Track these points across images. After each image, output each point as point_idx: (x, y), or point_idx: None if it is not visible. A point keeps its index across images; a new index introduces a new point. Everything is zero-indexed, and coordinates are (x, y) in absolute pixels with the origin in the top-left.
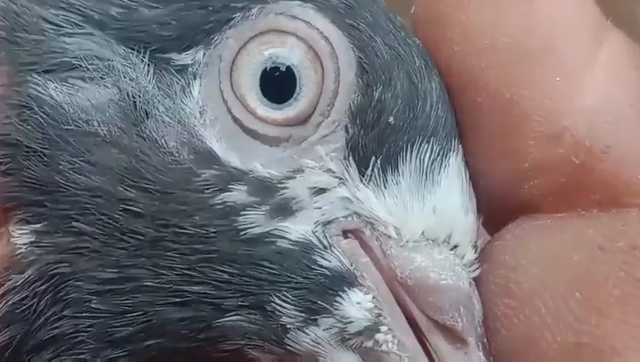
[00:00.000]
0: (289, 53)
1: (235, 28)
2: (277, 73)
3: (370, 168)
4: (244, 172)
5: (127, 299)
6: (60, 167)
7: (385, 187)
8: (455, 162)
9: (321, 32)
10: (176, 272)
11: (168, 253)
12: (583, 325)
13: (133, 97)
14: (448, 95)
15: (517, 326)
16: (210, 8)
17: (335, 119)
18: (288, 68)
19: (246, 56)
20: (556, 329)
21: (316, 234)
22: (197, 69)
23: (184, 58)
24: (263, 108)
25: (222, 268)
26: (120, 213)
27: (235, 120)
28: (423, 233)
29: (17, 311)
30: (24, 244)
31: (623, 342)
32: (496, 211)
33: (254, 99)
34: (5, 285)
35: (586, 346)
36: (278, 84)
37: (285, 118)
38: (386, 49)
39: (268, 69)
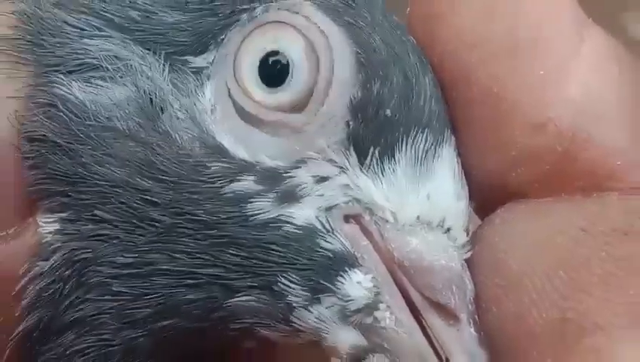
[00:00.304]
0: (286, 43)
1: (241, 27)
2: (274, 61)
3: (369, 158)
4: (252, 163)
5: (145, 282)
6: (83, 160)
7: (382, 175)
8: (448, 152)
9: (319, 27)
10: (190, 256)
11: (183, 239)
12: (567, 302)
13: (150, 95)
14: (441, 90)
15: (506, 304)
16: (220, 15)
17: (333, 108)
18: (284, 56)
19: (247, 46)
20: (542, 307)
21: (319, 219)
22: (210, 71)
23: (200, 61)
24: (260, 93)
25: (232, 252)
26: (138, 202)
27: (239, 110)
28: (418, 217)
29: (44, 295)
30: (50, 233)
31: (605, 319)
32: (486, 198)
33: (252, 84)
34: (32, 271)
35: (570, 322)
36: (274, 70)
37: (280, 102)
38: (383, 46)
39: (266, 56)
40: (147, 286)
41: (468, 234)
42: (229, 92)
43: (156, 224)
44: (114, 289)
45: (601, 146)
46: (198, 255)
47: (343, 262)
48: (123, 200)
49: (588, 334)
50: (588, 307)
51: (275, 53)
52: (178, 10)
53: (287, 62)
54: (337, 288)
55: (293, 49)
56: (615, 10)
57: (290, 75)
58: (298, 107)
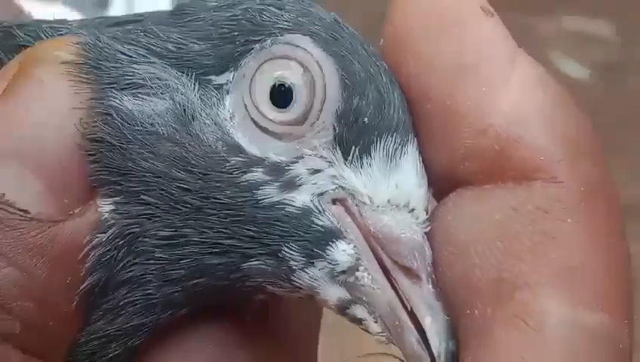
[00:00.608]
0: (291, 75)
1: (255, 54)
2: (282, 87)
3: (350, 155)
4: (261, 159)
5: (180, 250)
6: (132, 156)
7: (362, 168)
8: (411, 150)
9: (314, 57)
10: (214, 230)
11: (208, 217)
12: (503, 266)
13: (183, 106)
14: (406, 103)
15: (456, 266)
16: (237, 43)
17: (324, 120)
18: (290, 84)
19: (261, 75)
20: (484, 269)
21: (313, 202)
22: (229, 87)
23: (220, 79)
24: (271, 113)
25: (246, 227)
26: (174, 189)
27: (254, 121)
28: (388, 201)
29: (102, 260)
30: (107, 212)
31: (532, 278)
32: (441, 185)
33: (265, 105)
34: (93, 242)
35: (505, 281)
36: (282, 95)
37: (287, 119)
38: (361, 70)
39: (276, 85)
40: (181, 253)
41: (427, 213)
42: (246, 107)
43: (188, 206)
44: (156, 255)
45: (529, 146)
46: (220, 229)
47: (331, 235)
48: (163, 188)
49: (518, 290)
50: (519, 269)
51: (282, 82)
52: (203, 40)
53: (292, 88)
54: (327, 255)
55: (295, 78)
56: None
57: (294, 98)
58: (300, 121)
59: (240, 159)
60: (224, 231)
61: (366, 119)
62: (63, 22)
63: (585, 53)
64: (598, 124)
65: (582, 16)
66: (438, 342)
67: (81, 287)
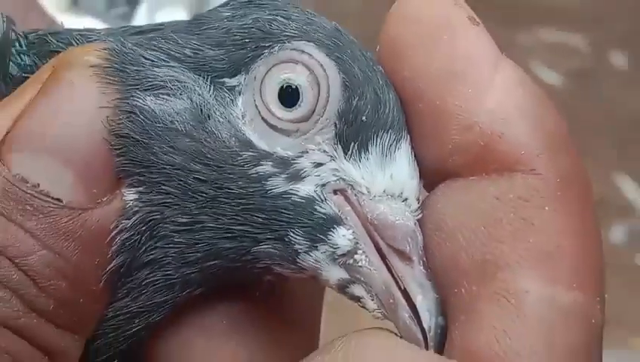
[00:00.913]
0: (297, 76)
1: (265, 59)
2: (289, 88)
3: (350, 149)
4: (270, 153)
5: (196, 235)
6: (154, 150)
7: (360, 161)
8: (405, 146)
9: (319, 62)
10: (227, 217)
11: (222, 205)
12: (487, 249)
13: (200, 106)
14: (401, 104)
15: (445, 250)
16: (249, 49)
17: (327, 118)
18: (296, 85)
19: (270, 77)
20: (470, 252)
21: (316, 192)
22: (240, 88)
23: (233, 82)
24: (280, 111)
25: (256, 215)
26: (191, 179)
27: (263, 119)
28: (384, 191)
29: (127, 244)
30: (131, 201)
31: (513, 260)
32: (431, 177)
33: (274, 105)
34: (119, 227)
35: (488, 262)
36: (289, 95)
37: (294, 117)
38: (360, 73)
39: (284, 86)
40: (198, 238)
41: (419, 202)
42: (256, 106)
43: (204, 195)
44: (175, 240)
45: (510, 142)
46: (233, 216)
47: (332, 221)
48: (181, 179)
49: (500, 270)
50: (501, 252)
51: (290, 84)
52: (217, 47)
53: (298, 89)
54: (329, 239)
55: (301, 80)
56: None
57: (300, 98)
58: (305, 119)
59: (251, 153)
60: (236, 218)
61: (364, 117)
62: (92, 30)
63: (560, 62)
64: (571, 126)
65: (558, 30)
66: (428, 318)
67: (108, 268)
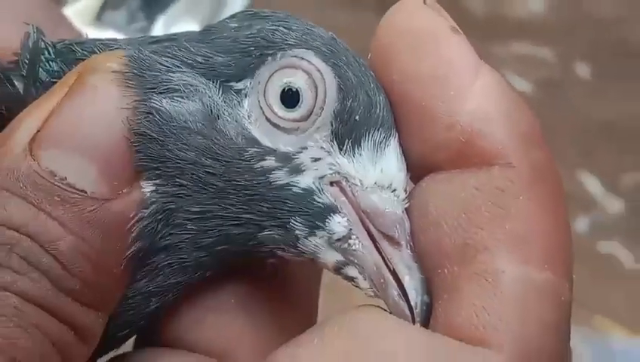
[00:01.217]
0: (297, 80)
1: (268, 65)
2: (290, 91)
3: (345, 146)
4: (273, 149)
5: (207, 223)
6: (169, 147)
7: (353, 156)
8: (394, 142)
9: (316, 67)
10: (235, 207)
11: (230, 196)
12: (467, 234)
13: (210, 107)
14: (390, 105)
15: (429, 235)
16: (254, 56)
17: (324, 117)
18: (296, 88)
19: (272, 81)
20: (452, 236)
21: (315, 184)
22: (246, 91)
23: (240, 85)
24: (282, 112)
25: (261, 204)
26: (202, 173)
27: (267, 119)
28: (375, 183)
29: (145, 231)
30: (149, 192)
31: (490, 243)
32: (417, 170)
33: (276, 106)
34: (138, 216)
35: (469, 245)
36: (290, 97)
37: (294, 117)
38: (353, 77)
39: (285, 89)
40: (208, 225)
41: (406, 192)
42: (260, 107)
43: (214, 187)
44: (188, 227)
45: (489, 138)
46: (240, 206)
47: (329, 210)
48: (193, 172)
49: (479, 253)
50: (480, 236)
51: (290, 87)
52: (226, 54)
53: (298, 92)
54: (326, 226)
55: (301, 83)
56: (498, 67)
57: (300, 100)
58: (304, 118)
59: (256, 149)
60: (243, 207)
61: (357, 117)
62: (113, 40)
63: (530, 72)
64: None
65: (528, 43)
66: (415, 295)
67: (128, 253)
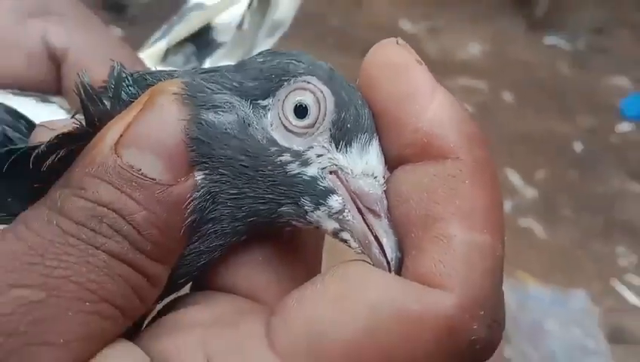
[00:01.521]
0: (306, 98)
1: (285, 87)
2: (301, 106)
3: (340, 145)
4: (288, 148)
5: (241, 201)
6: (214, 147)
7: (346, 153)
8: (375, 143)
9: (319, 89)
10: (261, 190)
11: (258, 182)
12: (428, 207)
13: (243, 118)
14: (373, 116)
15: (401, 209)
16: (274, 81)
17: (325, 125)
18: (306, 104)
19: (288, 99)
20: (417, 210)
21: (318, 173)
22: (269, 107)
23: (264, 103)
24: (295, 121)
25: (280, 188)
26: (238, 165)
27: (284, 126)
28: (362, 172)
29: (197, 207)
30: (200, 179)
31: (445, 215)
32: (392, 163)
33: (291, 117)
34: (192, 196)
35: (429, 216)
36: (301, 110)
37: (304, 125)
38: (346, 96)
39: (297, 105)
40: (242, 203)
41: (384, 179)
42: (280, 118)
43: (246, 175)
44: (228, 204)
45: (444, 139)
46: (265, 189)
47: (329, 192)
48: (231, 165)
49: (437, 222)
50: (437, 210)
51: (301, 103)
52: (254, 80)
53: (307, 106)
54: (326, 203)
55: (309, 100)
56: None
57: (308, 112)
58: (311, 126)
59: (276, 148)
60: (267, 190)
61: (349, 125)
62: (174, 71)
63: (469, 99)
64: None
65: (469, 78)
66: (390, 252)
67: (185, 223)
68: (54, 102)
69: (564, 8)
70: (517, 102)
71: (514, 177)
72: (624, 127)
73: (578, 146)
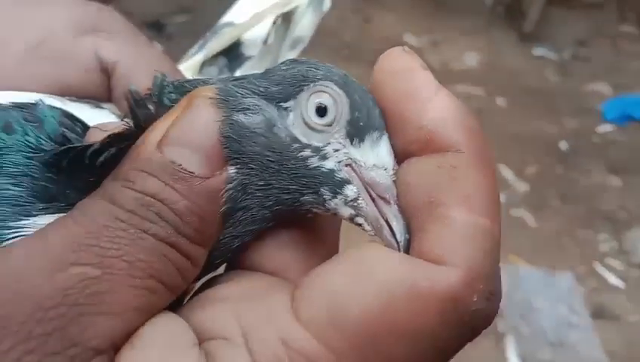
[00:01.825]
0: (324, 100)
1: (306, 91)
2: (320, 107)
3: (354, 141)
4: (309, 144)
5: (268, 192)
6: (244, 145)
7: (360, 148)
8: (385, 138)
9: (337, 92)
10: (285, 181)
11: (282, 174)
12: (432, 194)
13: (269, 119)
14: (382, 115)
15: (408, 196)
16: (295, 85)
17: (341, 124)
18: (325, 105)
19: (309, 101)
20: (422, 196)
21: (335, 166)
22: (292, 108)
23: (287, 105)
24: (315, 120)
25: (302, 179)
26: (265, 160)
27: (306, 124)
28: (374, 164)
29: (230, 197)
30: (232, 172)
31: (447, 200)
32: (400, 156)
33: (313, 116)
34: (226, 187)
35: (433, 202)
36: (321, 111)
37: (323, 123)
38: (359, 98)
39: (318, 106)
40: (269, 193)
41: (394, 170)
42: (302, 118)
43: (272, 169)
44: (257, 195)
45: (446, 134)
46: (289, 180)
47: (345, 182)
48: (260, 160)
49: (439, 206)
50: (440, 196)
51: (321, 104)
52: (278, 85)
53: (326, 107)
54: (343, 192)
55: (328, 102)
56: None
57: (327, 112)
58: (330, 124)
59: (298, 145)
60: (290, 181)
61: (362, 123)
62: (209, 79)
63: (467, 103)
64: None
65: (467, 85)
66: (399, 235)
67: (221, 210)
68: (106, 108)
69: (550, 22)
70: (509, 106)
71: (507, 172)
72: (605, 127)
73: (564, 145)
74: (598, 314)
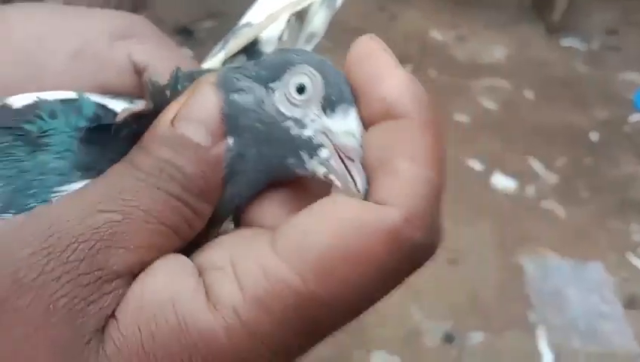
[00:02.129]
0: (303, 80)
1: (288, 73)
2: (300, 86)
3: (327, 112)
4: (290, 116)
5: (260, 156)
6: (239, 119)
7: (332, 118)
8: (353, 110)
9: (313, 73)
10: (274, 148)
11: (271, 142)
12: (385, 151)
13: (259, 97)
14: (352, 91)
15: (369, 155)
16: (279, 70)
17: (317, 99)
18: (304, 84)
19: (290, 81)
20: (378, 154)
21: (312, 133)
22: (277, 88)
23: (274, 85)
24: (296, 96)
25: (286, 145)
26: (256, 131)
27: (289, 100)
28: (344, 132)
29: (229, 163)
30: (231, 143)
31: (397, 155)
32: (365, 124)
33: (293, 93)
34: (226, 155)
35: (385, 157)
36: (300, 89)
37: (302, 99)
38: (333, 78)
39: (297, 85)
40: (261, 157)
41: (360, 136)
42: (285, 95)
43: (262, 138)
44: (251, 159)
45: (402, 104)
46: (276, 147)
47: (320, 146)
48: (252, 131)
49: (391, 161)
50: (392, 153)
51: (300, 83)
52: (267, 70)
53: (304, 86)
54: (318, 154)
55: (306, 82)
56: (477, 94)
57: (305, 90)
58: (308, 100)
59: (282, 117)
60: (277, 147)
61: (334, 98)
62: (212, 69)
63: (495, 96)
64: (504, 131)
65: (494, 77)
66: (361, 186)
67: (222, 173)
68: (138, 103)
69: (578, 13)
70: (538, 98)
71: (536, 165)
72: (636, 117)
73: (594, 136)
74: (630, 304)
